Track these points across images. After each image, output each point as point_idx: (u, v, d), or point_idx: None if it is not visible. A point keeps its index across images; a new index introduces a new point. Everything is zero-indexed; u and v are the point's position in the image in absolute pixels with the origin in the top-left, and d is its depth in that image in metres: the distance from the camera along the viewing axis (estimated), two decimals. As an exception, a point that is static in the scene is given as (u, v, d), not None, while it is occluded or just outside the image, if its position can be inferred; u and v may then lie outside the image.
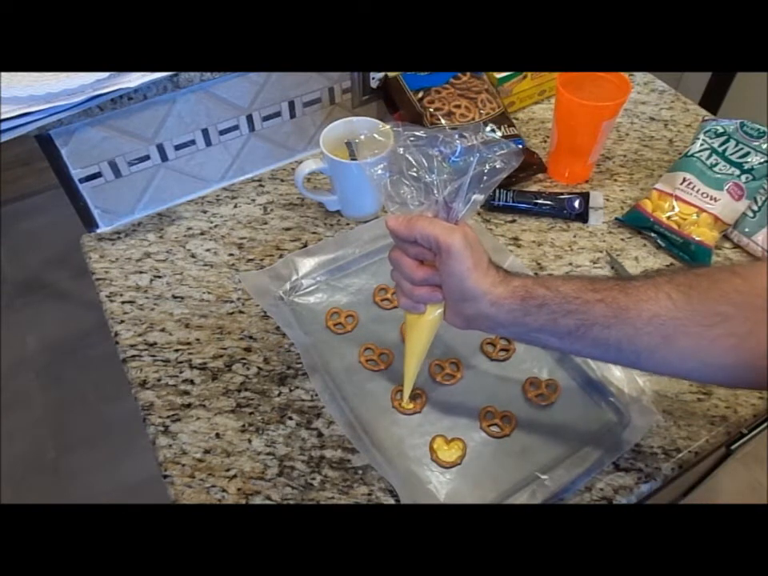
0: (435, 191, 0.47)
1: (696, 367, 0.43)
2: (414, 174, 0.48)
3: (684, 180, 0.72)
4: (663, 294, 0.42)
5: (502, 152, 0.47)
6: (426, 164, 0.47)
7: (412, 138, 0.48)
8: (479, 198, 0.48)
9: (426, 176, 0.47)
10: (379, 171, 0.49)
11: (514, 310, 0.46)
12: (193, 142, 0.75)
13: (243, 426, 0.58)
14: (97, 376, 1.58)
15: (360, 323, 0.65)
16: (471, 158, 0.47)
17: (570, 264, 0.71)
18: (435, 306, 0.51)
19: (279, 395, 0.60)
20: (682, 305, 0.42)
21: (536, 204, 0.75)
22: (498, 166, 0.47)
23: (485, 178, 0.47)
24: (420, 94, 0.78)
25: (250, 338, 0.65)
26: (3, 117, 0.56)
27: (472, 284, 0.46)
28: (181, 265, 0.72)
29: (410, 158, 0.48)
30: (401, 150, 0.48)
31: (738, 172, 0.70)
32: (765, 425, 0.74)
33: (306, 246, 0.73)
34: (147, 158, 0.73)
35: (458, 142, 0.48)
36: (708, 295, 0.41)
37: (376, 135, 0.70)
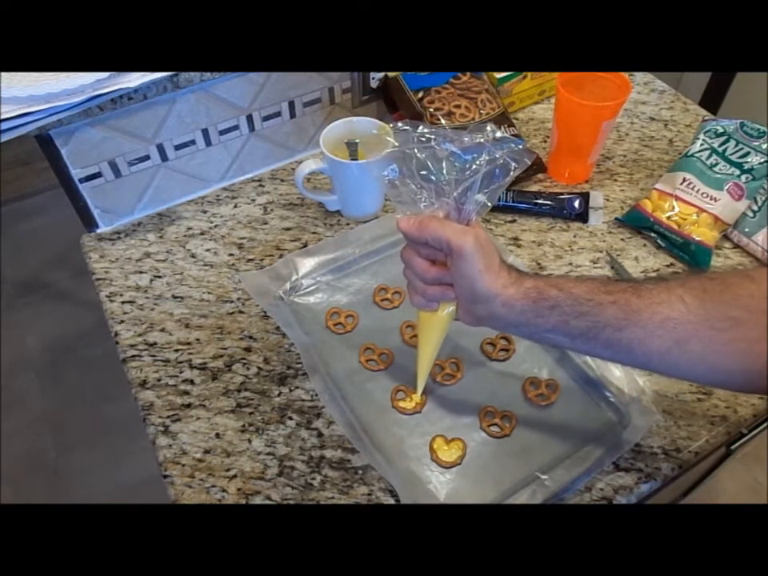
0: (446, 191, 0.47)
1: (706, 371, 0.43)
2: (424, 174, 0.47)
3: (684, 180, 0.72)
4: (676, 298, 0.42)
5: (512, 150, 0.47)
6: (436, 164, 0.47)
7: (422, 139, 0.48)
8: (491, 197, 0.47)
9: (436, 176, 0.47)
10: (388, 172, 0.49)
11: (526, 311, 0.46)
12: (193, 142, 0.75)
13: (243, 426, 0.58)
14: (97, 376, 1.58)
15: (360, 323, 0.65)
16: (481, 157, 0.46)
17: (570, 264, 0.71)
18: (448, 303, 0.51)
19: (279, 395, 0.60)
20: (695, 308, 0.42)
21: (536, 204, 0.75)
22: (509, 165, 0.47)
23: (496, 177, 0.47)
24: (420, 94, 0.78)
25: (250, 338, 0.65)
26: (3, 117, 0.56)
27: (483, 286, 0.46)
28: (181, 265, 0.71)
29: (420, 157, 0.47)
30: (409, 150, 0.48)
31: (737, 172, 0.70)
32: (765, 425, 0.74)
33: (306, 246, 0.73)
34: (147, 158, 0.73)
35: (466, 140, 0.48)
36: (721, 299, 0.41)
37: (376, 134, 0.70)
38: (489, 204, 0.48)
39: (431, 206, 0.48)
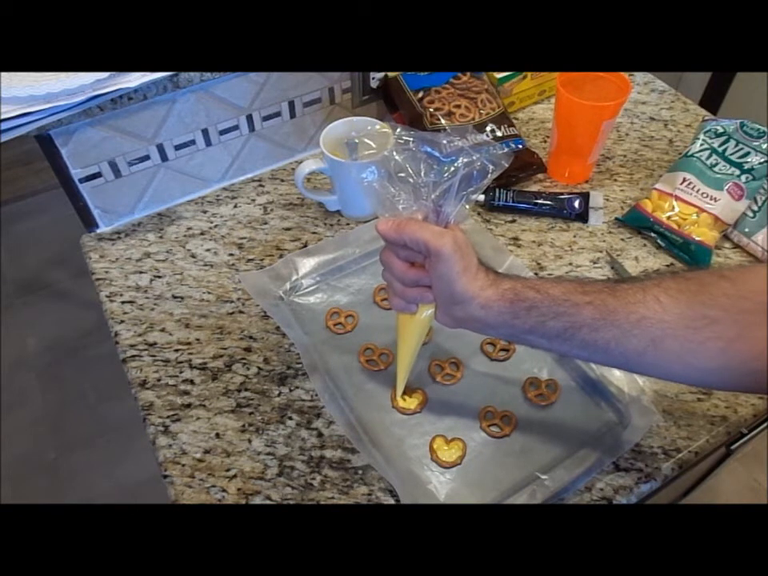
0: (424, 194, 0.47)
1: (684, 370, 0.43)
2: (402, 176, 0.47)
3: (684, 180, 0.72)
4: (651, 297, 0.42)
5: (492, 153, 0.47)
6: (415, 166, 0.47)
7: (401, 141, 0.48)
8: (469, 200, 0.48)
9: (415, 178, 0.47)
10: (369, 174, 0.49)
11: (503, 312, 0.46)
12: (193, 142, 0.75)
13: (243, 426, 0.58)
14: (97, 376, 1.58)
15: (360, 323, 0.65)
16: (460, 160, 0.47)
17: (570, 264, 0.71)
18: (427, 305, 0.51)
19: (279, 395, 0.60)
20: (671, 308, 0.42)
21: (536, 204, 0.75)
22: (487, 168, 0.47)
23: (474, 179, 0.47)
24: (420, 94, 0.78)
25: (250, 338, 0.65)
26: (3, 117, 0.56)
27: (461, 288, 0.46)
28: (181, 265, 0.72)
29: (399, 160, 0.48)
30: (389, 152, 0.48)
31: (738, 172, 0.70)
32: (765, 425, 0.74)
33: (306, 246, 0.73)
34: (147, 158, 0.73)
35: (446, 142, 0.48)
36: (696, 299, 0.42)
37: (376, 135, 0.70)
38: (467, 206, 0.48)
39: (410, 208, 0.48)
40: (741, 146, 0.72)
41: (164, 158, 0.74)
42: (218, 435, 0.57)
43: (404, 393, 0.59)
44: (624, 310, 0.43)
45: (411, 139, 0.48)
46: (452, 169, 0.46)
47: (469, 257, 0.46)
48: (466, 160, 0.46)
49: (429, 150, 0.47)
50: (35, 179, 1.96)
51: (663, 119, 0.88)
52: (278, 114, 0.78)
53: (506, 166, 0.48)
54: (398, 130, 0.49)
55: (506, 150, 0.49)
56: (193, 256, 0.72)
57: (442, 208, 0.48)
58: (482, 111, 0.77)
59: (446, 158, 0.47)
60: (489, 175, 0.47)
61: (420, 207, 0.48)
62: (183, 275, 0.70)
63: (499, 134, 0.77)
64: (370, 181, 0.49)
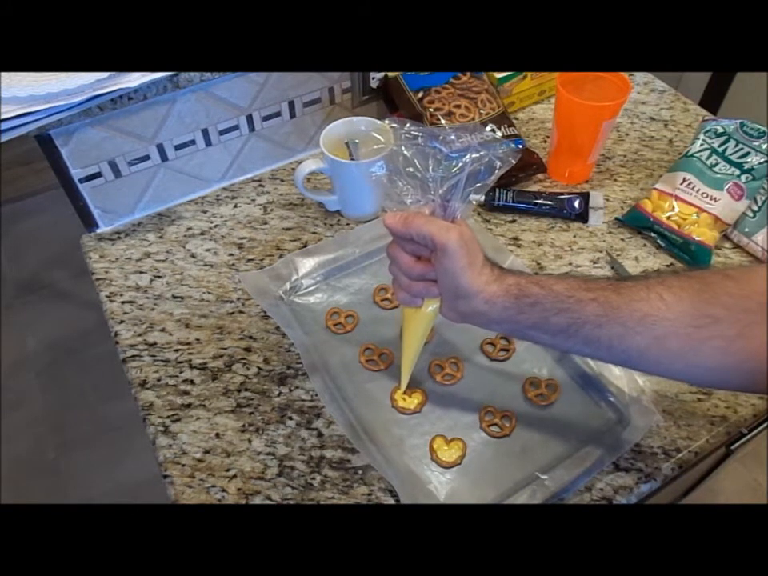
0: (432, 189, 0.48)
1: (685, 369, 0.43)
2: (411, 171, 0.48)
3: (684, 180, 0.72)
4: (655, 295, 0.43)
5: (499, 150, 0.48)
6: (423, 161, 0.48)
7: (409, 136, 0.48)
8: (476, 196, 0.48)
9: (423, 173, 0.48)
10: (377, 169, 0.49)
11: (508, 308, 0.46)
12: (193, 142, 0.75)
13: (243, 426, 0.58)
14: (97, 376, 1.58)
15: (360, 323, 0.65)
16: (468, 156, 0.47)
17: (570, 264, 0.71)
18: (432, 299, 0.51)
19: (279, 395, 0.60)
20: (674, 306, 0.42)
21: (536, 204, 0.75)
22: (494, 164, 0.47)
23: (481, 175, 0.47)
24: (420, 94, 0.78)
25: (250, 338, 0.65)
26: (3, 117, 0.56)
27: (466, 282, 0.46)
28: (181, 265, 0.71)
29: (408, 155, 0.48)
30: (397, 147, 0.49)
31: (738, 172, 0.70)
32: (765, 425, 0.74)
33: (306, 246, 0.73)
34: (147, 158, 0.73)
35: (453, 138, 0.48)
36: (699, 297, 0.42)
37: (376, 134, 0.70)
38: (474, 202, 0.48)
39: (417, 202, 0.49)
40: (741, 145, 0.72)
41: (164, 157, 0.74)
42: (217, 435, 0.57)
43: (404, 392, 0.59)
44: (627, 307, 0.43)
45: (420, 134, 0.48)
46: (459, 164, 0.47)
47: (474, 252, 0.47)
48: (473, 156, 0.47)
49: (437, 145, 0.48)
50: (35, 179, 1.96)
51: (663, 119, 0.88)
52: (277, 114, 0.78)
53: (513, 162, 0.48)
54: (407, 125, 0.49)
55: (512, 146, 0.49)
56: (193, 256, 0.72)
57: (449, 203, 0.48)
58: (482, 111, 0.77)
59: (453, 153, 0.48)
60: (496, 171, 0.48)
61: (427, 202, 0.48)
62: (183, 275, 0.70)
63: (499, 134, 0.77)
64: (378, 175, 0.49)
